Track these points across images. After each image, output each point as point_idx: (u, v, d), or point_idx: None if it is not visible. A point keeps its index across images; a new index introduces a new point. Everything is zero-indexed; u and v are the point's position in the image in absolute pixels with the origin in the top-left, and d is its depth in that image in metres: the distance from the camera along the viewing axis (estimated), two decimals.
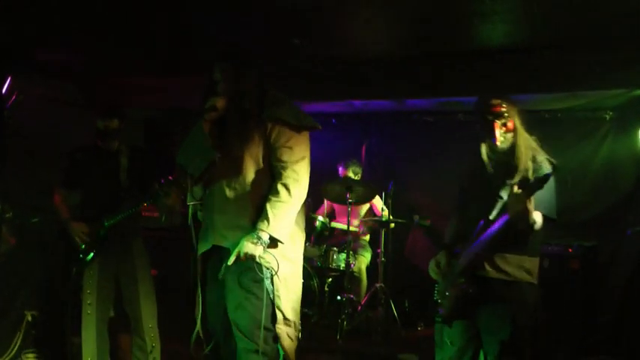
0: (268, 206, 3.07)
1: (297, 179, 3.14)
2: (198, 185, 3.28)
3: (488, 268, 3.14)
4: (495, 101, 3.17)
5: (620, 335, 5.22)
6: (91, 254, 4.22)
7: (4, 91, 5.10)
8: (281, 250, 3.15)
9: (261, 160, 3.17)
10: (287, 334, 3.19)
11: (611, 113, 6.21)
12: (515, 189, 2.87)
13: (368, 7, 4.28)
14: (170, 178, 3.91)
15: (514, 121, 3.15)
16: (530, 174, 3.05)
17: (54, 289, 5.16)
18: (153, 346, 4.35)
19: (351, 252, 6.21)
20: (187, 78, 6.11)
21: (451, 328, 3.30)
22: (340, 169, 6.75)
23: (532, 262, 3.16)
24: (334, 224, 6.89)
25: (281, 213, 3.08)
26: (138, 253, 4.38)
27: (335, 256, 6.32)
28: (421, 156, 7.04)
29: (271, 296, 3.10)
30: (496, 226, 3.04)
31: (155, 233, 5.87)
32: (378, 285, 6.27)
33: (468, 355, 3.24)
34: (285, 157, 3.14)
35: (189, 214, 3.42)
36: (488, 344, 3.16)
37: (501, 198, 3.09)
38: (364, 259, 6.73)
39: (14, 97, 5.18)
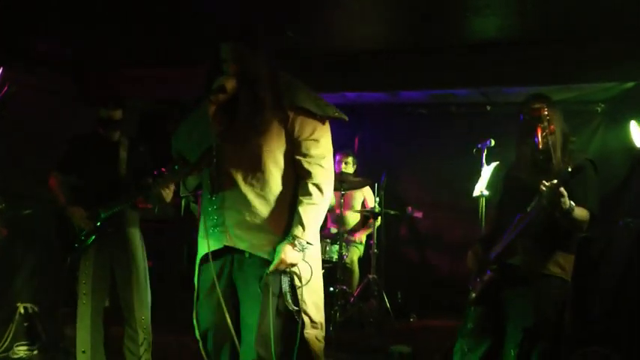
0: (301, 210, 2.80)
1: (328, 177, 2.89)
2: (193, 175, 3.03)
3: (521, 258, 3.19)
4: (538, 104, 3.23)
5: (612, 327, 5.26)
6: (92, 237, 4.20)
7: None
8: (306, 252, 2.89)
9: (282, 154, 2.85)
10: (315, 337, 2.93)
11: (602, 106, 6.24)
12: (548, 181, 2.89)
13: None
14: (163, 170, 3.86)
15: (555, 124, 3.20)
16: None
17: (47, 281, 5.15)
18: (145, 338, 4.34)
19: (343, 244, 6.22)
20: (183, 69, 6.11)
21: (475, 314, 3.36)
22: (337, 158, 6.72)
23: (566, 258, 3.21)
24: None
25: (315, 216, 2.83)
26: (134, 244, 4.35)
27: (328, 248, 6.32)
28: (414, 148, 7.06)
29: (295, 304, 2.84)
30: (529, 217, 3.08)
31: (149, 225, 5.87)
32: (370, 276, 6.28)
33: (486, 343, 3.30)
34: (312, 152, 2.84)
35: (182, 207, 3.29)
36: (512, 331, 3.21)
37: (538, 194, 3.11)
38: (357, 251, 6.74)
39: (6, 87, 5.16)
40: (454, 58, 5.30)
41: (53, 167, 4.40)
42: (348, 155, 6.71)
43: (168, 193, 3.65)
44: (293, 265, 2.78)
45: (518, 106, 3.39)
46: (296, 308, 2.84)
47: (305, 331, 2.87)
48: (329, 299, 6.06)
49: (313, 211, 2.82)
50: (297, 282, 2.85)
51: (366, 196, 6.86)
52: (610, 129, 6.14)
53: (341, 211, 6.19)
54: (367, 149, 7.17)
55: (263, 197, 2.83)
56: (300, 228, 2.78)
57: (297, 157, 2.86)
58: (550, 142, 3.16)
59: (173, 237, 6.60)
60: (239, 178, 2.83)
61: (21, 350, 4.92)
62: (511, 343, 3.19)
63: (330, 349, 5.21)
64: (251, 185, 2.82)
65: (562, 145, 3.22)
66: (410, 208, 6.79)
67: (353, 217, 6.86)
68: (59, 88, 6.23)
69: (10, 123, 5.25)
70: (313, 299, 2.94)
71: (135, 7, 4.61)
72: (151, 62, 6.10)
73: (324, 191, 2.86)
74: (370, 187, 6.55)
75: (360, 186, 6.55)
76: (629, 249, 5.41)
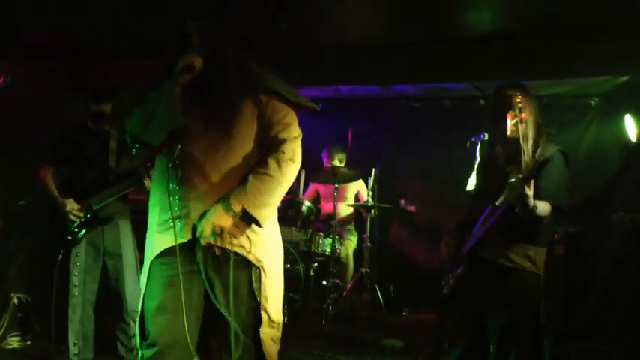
0: (251, 177, 2.63)
1: (292, 158, 2.71)
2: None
3: (492, 253, 3.16)
4: (511, 91, 3.18)
5: (604, 321, 5.27)
6: (83, 231, 4.21)
7: None
8: (265, 240, 2.72)
9: (252, 139, 2.71)
10: (271, 337, 2.73)
11: (596, 100, 6.24)
12: (516, 175, 2.86)
13: None
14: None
15: (527, 112, 3.15)
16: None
17: (40, 271, 5.15)
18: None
19: (337, 237, 6.21)
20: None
21: (455, 310, 3.34)
22: (324, 158, 6.73)
23: (537, 252, 3.17)
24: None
25: (265, 188, 2.63)
26: (125, 235, 4.36)
27: (321, 241, 6.32)
28: (407, 141, 7.06)
29: (257, 296, 2.67)
30: (498, 211, 3.06)
31: (142, 217, 5.85)
32: (363, 270, 6.29)
33: (465, 340, 3.29)
34: (281, 135, 2.70)
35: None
36: (490, 328, 3.19)
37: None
38: (351, 244, 6.75)
39: (2, 79, 5.14)
40: (447, 52, 5.29)
41: (45, 161, 4.40)
42: (334, 155, 6.68)
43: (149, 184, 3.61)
44: (220, 228, 2.57)
45: (492, 94, 3.32)
46: (255, 303, 2.68)
47: (261, 329, 2.69)
48: (321, 292, 6.08)
49: (264, 182, 2.64)
50: (262, 277, 2.69)
51: (360, 189, 6.86)
52: (604, 123, 6.15)
53: (334, 204, 6.18)
54: (361, 142, 7.16)
55: (231, 185, 2.66)
56: (241, 192, 2.60)
57: (265, 141, 2.73)
58: (520, 131, 3.09)
59: None
60: (207, 165, 2.65)
61: (14, 341, 4.94)
62: (489, 339, 3.18)
63: (321, 342, 5.25)
64: (220, 172, 2.66)
65: (534, 135, 3.15)
66: (403, 202, 6.79)
67: (346, 210, 6.86)
68: (53, 79, 6.20)
69: (5, 114, 5.25)
70: (275, 296, 2.76)
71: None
72: (143, 52, 6.07)
73: (282, 168, 2.67)
74: (363, 180, 6.55)
75: (353, 179, 6.55)
76: (622, 243, 5.42)
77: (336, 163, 6.65)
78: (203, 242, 2.60)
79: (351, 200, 6.90)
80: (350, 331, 5.73)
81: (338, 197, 6.38)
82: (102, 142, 4.35)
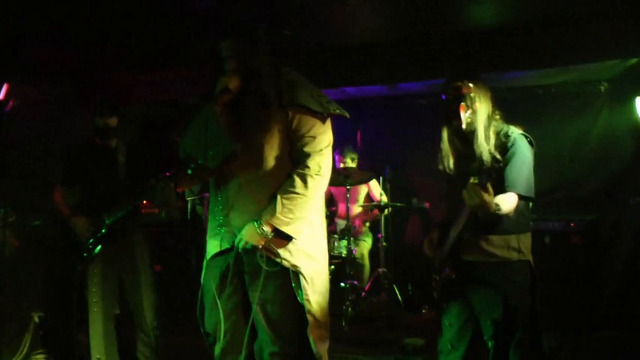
0: (279, 197, 2.81)
1: (318, 172, 2.87)
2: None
3: (474, 254, 3.09)
4: (459, 83, 3.10)
5: (624, 309, 5.22)
6: (99, 247, 4.22)
7: (1, 97, 5.09)
8: (301, 247, 2.91)
9: (281, 152, 2.88)
10: (319, 337, 2.93)
11: (606, 85, 6.17)
12: (472, 179, 2.77)
13: None
14: (167, 174, 3.90)
15: (479, 103, 3.07)
16: (491, 158, 2.99)
17: (58, 289, 5.18)
18: (157, 342, 4.36)
19: (351, 238, 6.20)
20: (180, 71, 6.10)
21: (448, 310, 3.26)
22: (337, 159, 6.70)
23: (519, 239, 3.08)
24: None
25: (293, 206, 2.81)
26: (140, 248, 4.39)
27: (336, 244, 6.31)
28: (416, 139, 7.01)
29: (300, 300, 2.87)
30: (463, 215, 3.01)
31: (155, 229, 5.88)
32: (380, 270, 6.26)
33: (466, 337, 3.20)
34: (307, 148, 2.87)
35: (188, 210, 3.35)
36: (483, 325, 3.13)
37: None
38: (366, 245, 6.74)
39: (11, 102, 5.18)
40: (452, 47, 5.26)
41: (57, 182, 4.44)
42: (345, 155, 6.65)
43: (172, 196, 3.66)
44: (251, 247, 2.81)
45: (442, 87, 3.22)
46: (301, 306, 2.88)
47: (309, 330, 2.89)
48: (340, 295, 6.07)
49: (290, 199, 2.82)
50: (302, 281, 2.88)
51: (372, 189, 6.84)
52: (614, 108, 6.07)
53: (347, 206, 6.17)
54: (369, 143, 7.15)
55: (265, 195, 2.87)
56: (270, 213, 2.81)
57: (294, 154, 2.91)
58: (473, 123, 3.05)
59: (180, 241, 6.60)
60: (242, 177, 2.88)
61: (38, 359, 4.96)
62: (486, 336, 3.12)
63: (343, 345, 5.24)
64: (254, 184, 2.87)
65: (485, 125, 3.06)
66: (416, 200, 6.76)
67: (359, 212, 6.85)
68: (61, 98, 6.24)
69: (17, 135, 5.29)
70: (317, 299, 2.94)
71: (131, 9, 4.61)
72: (148, 65, 6.09)
73: (308, 183, 2.84)
74: (375, 179, 6.53)
75: (366, 180, 6.53)
76: (638, 228, 5.38)
77: (349, 162, 6.64)
78: (240, 250, 2.86)
79: (362, 201, 6.89)
80: (370, 332, 5.73)
81: (350, 199, 6.37)
82: (109, 156, 4.37)
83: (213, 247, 3.01)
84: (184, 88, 6.21)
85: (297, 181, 2.83)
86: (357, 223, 6.81)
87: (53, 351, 5.04)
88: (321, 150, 2.90)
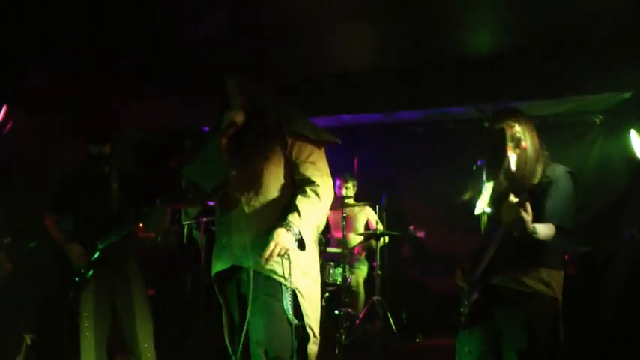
0: (297, 201, 2.97)
1: (326, 191, 3.05)
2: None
3: (505, 279, 3.08)
4: (502, 125, 3.09)
5: (619, 341, 5.19)
6: (90, 272, 4.22)
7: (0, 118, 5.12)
8: (300, 265, 3.01)
9: (282, 177, 3.06)
10: (314, 353, 3.05)
11: (600, 117, 6.22)
12: (511, 196, 2.78)
13: (354, 22, 4.30)
14: (157, 201, 3.98)
15: (526, 141, 3.07)
16: (534, 188, 3.01)
17: (51, 312, 5.16)
18: None
19: (347, 266, 6.18)
20: (175, 99, 6.15)
21: (471, 337, 3.23)
22: (337, 186, 6.66)
23: (550, 274, 3.06)
24: (329, 249, 6.79)
25: (309, 211, 2.96)
26: (133, 273, 4.40)
27: (331, 271, 6.29)
28: (412, 167, 7.05)
29: (299, 319, 2.98)
30: (498, 235, 3.01)
31: (151, 253, 5.86)
32: (375, 298, 6.24)
33: None
34: (308, 173, 3.05)
35: (185, 234, 3.43)
36: (506, 354, 3.09)
37: None
38: (361, 273, 6.71)
39: (10, 124, 5.20)
40: (448, 76, 5.31)
41: (48, 208, 4.47)
42: (347, 180, 6.67)
43: (165, 220, 3.77)
44: (285, 248, 2.88)
45: (489, 126, 3.20)
46: (299, 323, 2.98)
47: (308, 345, 3.02)
48: (334, 322, 6.03)
49: (309, 204, 2.97)
50: (299, 297, 2.97)
51: (369, 218, 6.83)
52: (609, 140, 6.11)
53: (343, 234, 6.15)
54: (366, 171, 7.16)
55: (264, 218, 2.99)
56: (295, 214, 2.92)
57: (296, 178, 3.07)
58: (523, 161, 3.04)
59: (176, 265, 6.58)
60: (242, 200, 3.03)
61: None
62: None
63: None
64: (253, 207, 3.02)
65: (535, 160, 3.07)
66: (412, 228, 6.76)
67: (355, 240, 6.83)
68: (56, 126, 6.29)
69: (13, 158, 5.30)
70: (315, 315, 3.06)
71: (126, 39, 4.65)
72: (143, 93, 6.13)
73: (321, 197, 3.01)
74: (371, 207, 6.53)
75: (361, 204, 6.53)
76: (633, 261, 5.37)
77: (350, 187, 6.66)
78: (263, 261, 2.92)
79: (360, 230, 6.87)
80: (364, 359, 5.66)
81: (347, 227, 6.36)
82: (102, 183, 4.40)
83: (216, 265, 3.16)
84: (177, 116, 6.27)
85: (311, 193, 3.00)
86: (356, 250, 6.79)
87: None
88: (321, 173, 3.09)
